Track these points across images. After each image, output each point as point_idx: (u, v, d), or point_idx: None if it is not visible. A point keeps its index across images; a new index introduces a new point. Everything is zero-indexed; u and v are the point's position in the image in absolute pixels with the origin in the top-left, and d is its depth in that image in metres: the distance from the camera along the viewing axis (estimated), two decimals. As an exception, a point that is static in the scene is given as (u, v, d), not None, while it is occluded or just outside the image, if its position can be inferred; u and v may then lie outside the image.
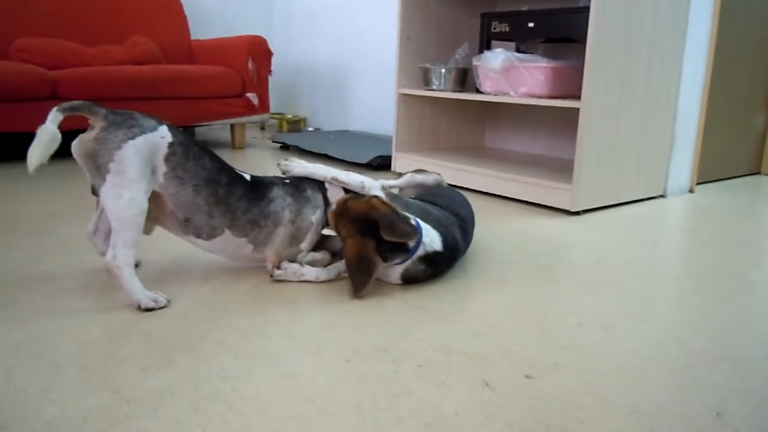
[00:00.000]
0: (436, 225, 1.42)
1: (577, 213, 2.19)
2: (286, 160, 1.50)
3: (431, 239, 1.39)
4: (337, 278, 1.44)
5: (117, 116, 1.23)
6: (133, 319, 1.19)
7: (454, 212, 1.54)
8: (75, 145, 1.23)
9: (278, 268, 1.41)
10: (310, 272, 1.42)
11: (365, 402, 0.92)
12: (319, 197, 1.46)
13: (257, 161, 3.23)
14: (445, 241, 1.41)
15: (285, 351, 1.08)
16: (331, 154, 3.19)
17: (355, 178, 1.48)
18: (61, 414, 0.86)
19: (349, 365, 1.03)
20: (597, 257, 1.69)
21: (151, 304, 1.23)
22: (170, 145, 1.27)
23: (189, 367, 1.01)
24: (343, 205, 1.35)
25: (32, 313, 1.21)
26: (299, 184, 1.45)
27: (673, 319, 1.28)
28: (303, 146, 3.43)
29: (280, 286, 1.39)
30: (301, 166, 1.48)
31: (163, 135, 1.27)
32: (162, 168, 1.27)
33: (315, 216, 1.44)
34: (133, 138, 1.22)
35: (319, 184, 1.48)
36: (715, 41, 2.57)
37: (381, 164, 2.98)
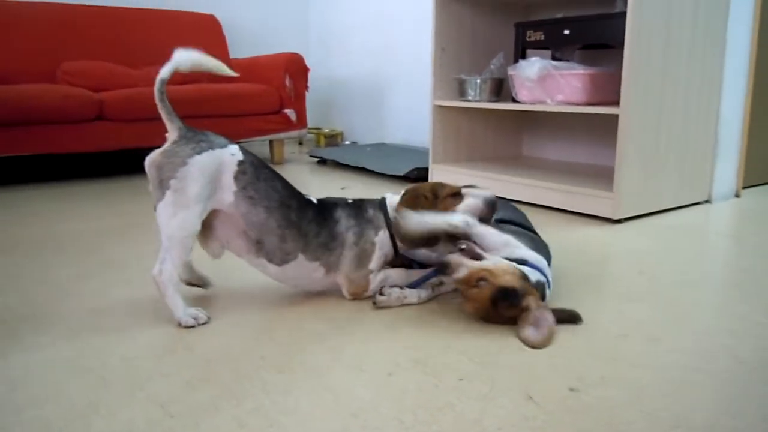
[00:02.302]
0: (545, 254, 1.38)
1: (619, 221, 2.15)
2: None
3: (549, 290, 1.33)
4: (436, 295, 1.43)
5: (190, 132, 1.26)
6: (177, 334, 1.21)
7: (533, 231, 1.53)
8: (147, 158, 1.25)
9: (381, 294, 1.36)
10: (412, 294, 1.38)
11: (406, 416, 0.91)
12: (381, 217, 1.39)
13: (296, 176, 3.27)
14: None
15: (326, 365, 1.08)
16: (369, 167, 3.21)
17: (460, 220, 1.35)
18: (108, 428, 0.88)
19: (390, 379, 1.03)
20: (641, 266, 1.65)
21: (191, 322, 1.25)
22: (240, 163, 1.27)
23: (232, 382, 1.02)
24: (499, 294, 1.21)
25: (80, 329, 1.24)
26: (361, 205, 1.41)
27: (720, 328, 1.24)
28: (340, 160, 3.46)
29: (320, 301, 1.40)
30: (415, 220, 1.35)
31: (233, 152, 1.28)
32: (231, 186, 1.26)
33: (378, 237, 1.38)
34: (199, 153, 1.23)
35: (380, 203, 1.42)
36: (757, 41, 2.50)
37: (418, 176, 2.98)
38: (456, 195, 1.40)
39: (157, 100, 1.25)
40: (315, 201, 1.38)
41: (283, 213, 1.30)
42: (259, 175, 1.30)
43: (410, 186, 1.44)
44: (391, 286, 1.38)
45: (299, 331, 1.23)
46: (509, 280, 1.20)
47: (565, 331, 1.22)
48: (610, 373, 1.05)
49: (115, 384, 1.01)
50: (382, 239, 1.38)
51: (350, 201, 1.42)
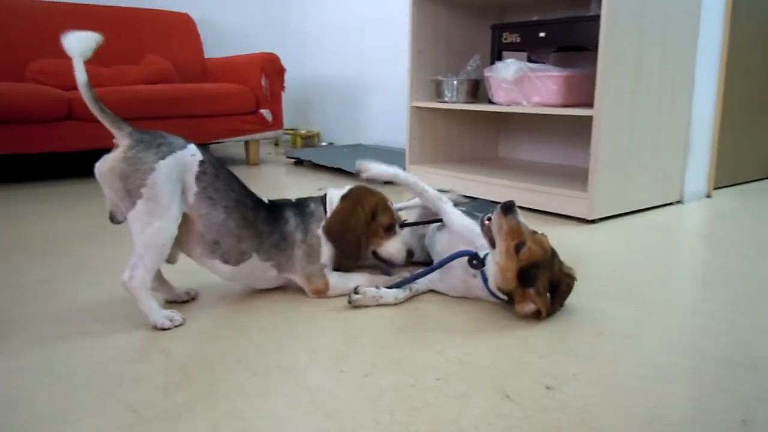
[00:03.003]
0: None
1: (594, 221, 2.18)
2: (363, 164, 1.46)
3: None
4: (413, 296, 1.42)
5: (144, 135, 1.21)
6: (150, 337, 1.19)
7: None
8: (99, 165, 1.20)
9: (356, 292, 1.36)
10: (389, 295, 1.37)
11: (383, 416, 0.91)
12: (321, 210, 1.41)
13: (272, 177, 3.25)
14: None
15: (303, 366, 1.08)
16: (345, 168, 3.20)
17: (433, 191, 1.47)
18: (81, 433, 0.86)
19: (366, 380, 1.03)
20: (615, 265, 1.67)
21: (167, 324, 1.23)
22: (201, 163, 1.25)
23: (207, 385, 1.01)
24: (549, 257, 1.27)
25: (47, 334, 1.22)
26: (303, 202, 1.42)
27: (692, 326, 1.26)
28: (317, 161, 3.44)
29: (297, 302, 1.39)
30: (381, 167, 1.45)
31: (193, 153, 1.25)
32: (193, 188, 1.24)
33: (320, 230, 1.39)
34: (163, 157, 1.19)
35: (321, 198, 1.44)
36: (728, 46, 2.55)
37: (395, 177, 2.97)
38: (390, 229, 1.43)
39: (94, 110, 1.20)
40: (267, 202, 1.38)
41: (241, 212, 1.29)
42: (219, 174, 1.28)
43: (359, 186, 1.45)
44: (367, 287, 1.38)
45: (275, 332, 1.22)
46: None
47: (540, 330, 1.23)
48: (585, 371, 1.06)
49: (86, 389, 0.99)
50: None
51: (294, 201, 1.43)
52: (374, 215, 1.41)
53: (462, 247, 1.37)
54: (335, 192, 1.44)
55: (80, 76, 1.19)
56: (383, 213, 1.42)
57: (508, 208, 1.28)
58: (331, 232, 1.38)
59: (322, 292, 1.40)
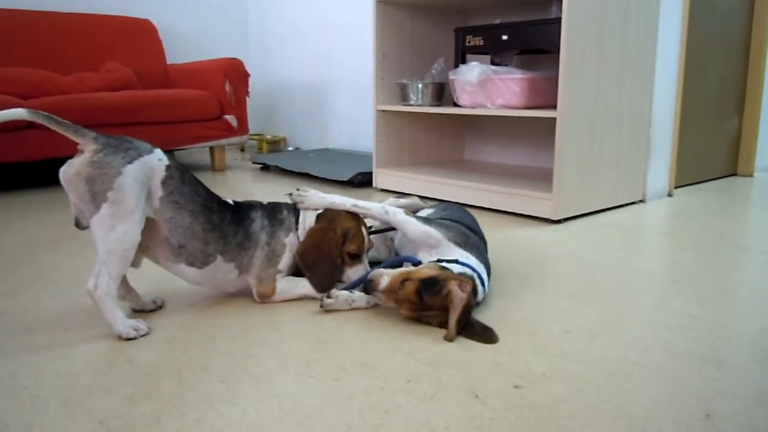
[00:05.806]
0: (477, 254, 1.38)
1: (559, 221, 2.21)
2: (298, 189, 1.45)
3: (484, 288, 1.34)
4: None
5: (110, 139, 1.20)
6: (117, 347, 1.17)
7: (476, 232, 1.54)
8: (64, 170, 1.18)
9: (329, 296, 1.35)
10: (361, 299, 1.37)
11: (354, 420, 0.91)
12: (293, 219, 1.41)
13: (238, 183, 3.22)
14: (487, 279, 1.37)
15: (272, 372, 1.07)
16: (312, 173, 3.19)
17: (376, 206, 1.43)
18: (45, 448, 0.84)
19: (337, 384, 1.02)
20: (580, 264, 1.70)
21: (133, 334, 1.21)
22: (167, 168, 1.25)
23: (174, 394, 0.99)
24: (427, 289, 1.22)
25: (12, 346, 1.18)
26: (276, 206, 1.43)
27: (657, 322, 1.29)
28: (283, 166, 3.43)
29: (265, 307, 1.38)
30: (318, 197, 1.42)
31: (160, 157, 1.25)
32: (158, 192, 1.24)
33: (288, 238, 1.39)
34: (131, 162, 1.18)
35: (294, 207, 1.44)
36: (686, 46, 2.61)
37: (362, 181, 2.98)
38: (356, 257, 1.42)
39: (51, 125, 1.17)
40: (232, 203, 1.38)
41: (206, 216, 1.30)
42: (184, 179, 1.28)
43: (333, 212, 1.42)
44: (340, 290, 1.38)
45: (244, 338, 1.21)
46: (428, 272, 1.24)
47: (508, 330, 1.24)
48: (553, 369, 1.07)
49: (51, 402, 0.97)
50: (292, 241, 1.40)
51: (266, 203, 1.43)
52: (344, 240, 1.40)
53: (424, 251, 1.38)
54: (308, 216, 1.43)
55: (18, 111, 1.14)
56: (352, 240, 1.40)
57: (368, 285, 1.29)
58: (305, 257, 1.37)
59: (267, 296, 1.39)
